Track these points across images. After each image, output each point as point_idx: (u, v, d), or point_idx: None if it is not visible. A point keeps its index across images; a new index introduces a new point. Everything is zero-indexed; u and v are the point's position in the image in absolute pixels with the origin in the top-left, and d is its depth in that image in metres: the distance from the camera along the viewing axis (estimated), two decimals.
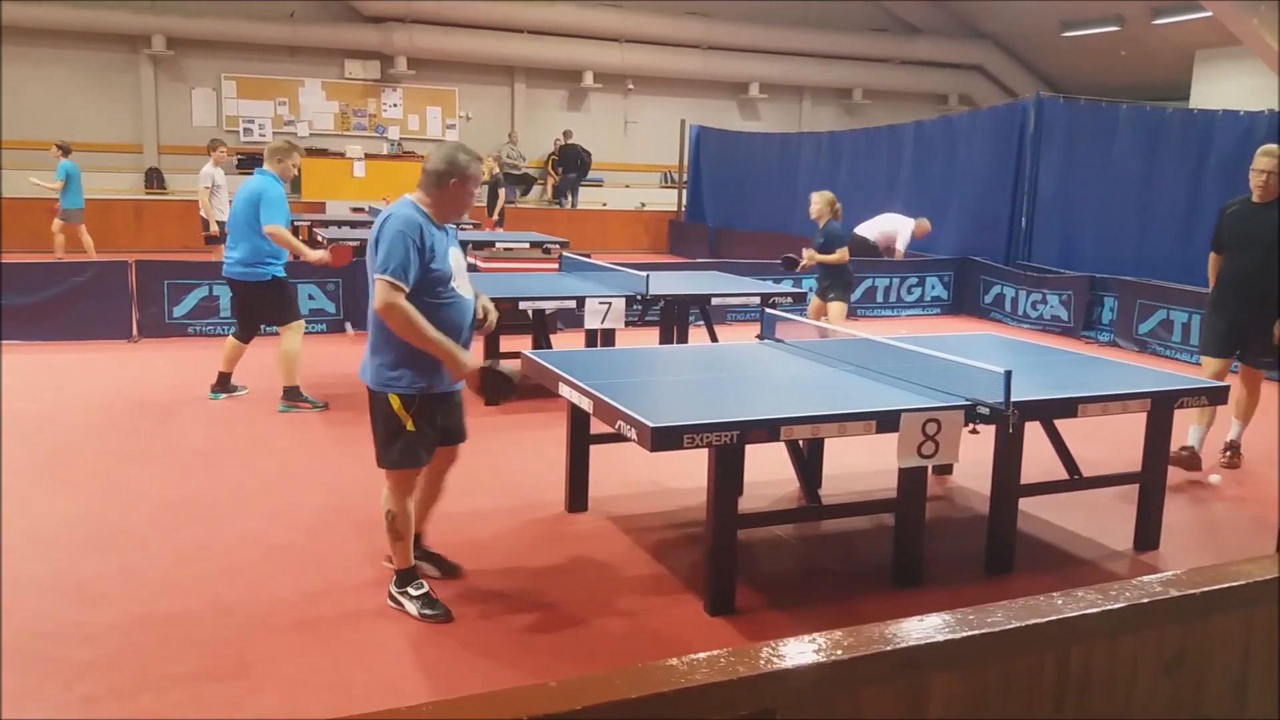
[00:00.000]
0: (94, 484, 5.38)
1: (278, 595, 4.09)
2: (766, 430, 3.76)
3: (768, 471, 5.45)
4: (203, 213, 12.65)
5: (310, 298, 9.78)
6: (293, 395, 6.92)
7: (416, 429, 3.84)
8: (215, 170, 12.44)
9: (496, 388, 3.87)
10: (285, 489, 5.36)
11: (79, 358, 8.51)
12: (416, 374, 3.81)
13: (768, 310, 5.82)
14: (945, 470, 5.83)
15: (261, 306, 6.90)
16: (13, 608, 3.88)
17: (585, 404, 4.18)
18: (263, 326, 7.14)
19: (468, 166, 3.82)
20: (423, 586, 4.00)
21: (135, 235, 16.04)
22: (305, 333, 7.23)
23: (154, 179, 18.78)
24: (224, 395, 7.13)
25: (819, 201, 8.43)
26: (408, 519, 3.98)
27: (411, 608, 3.93)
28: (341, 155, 18.98)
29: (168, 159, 19.19)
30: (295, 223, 14.08)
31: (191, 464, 5.75)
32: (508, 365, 4.00)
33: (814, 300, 8.75)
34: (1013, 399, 4.01)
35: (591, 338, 7.87)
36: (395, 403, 3.81)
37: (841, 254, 8.32)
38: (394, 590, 4.01)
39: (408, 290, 3.68)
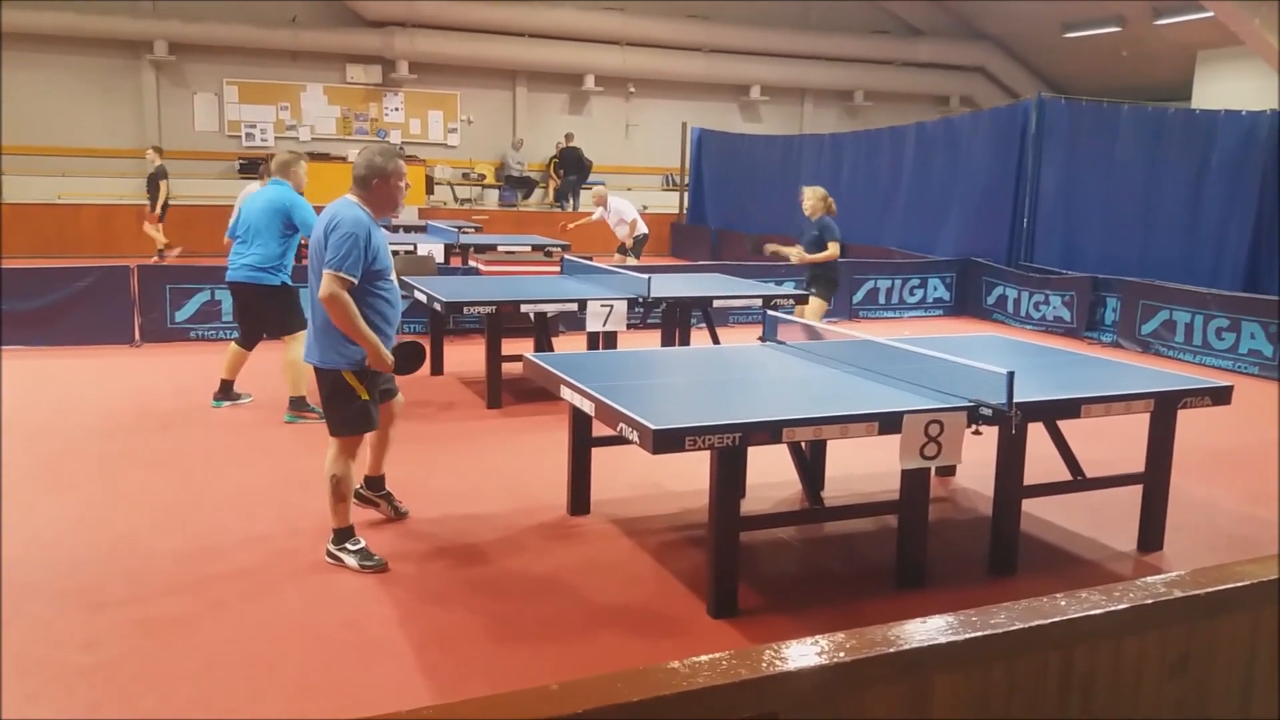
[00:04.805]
0: (96, 488, 5.38)
1: (280, 599, 4.09)
2: (768, 432, 3.76)
3: (770, 473, 5.44)
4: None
5: None
6: (299, 405, 6.87)
7: (370, 396, 4.35)
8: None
9: (408, 360, 4.35)
10: (287, 493, 5.35)
11: (81, 363, 8.52)
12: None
13: (769, 312, 5.82)
14: (948, 471, 5.82)
15: (266, 313, 6.83)
16: (15, 613, 3.87)
17: (587, 406, 4.18)
18: (264, 335, 7.09)
19: (385, 165, 4.29)
20: (360, 542, 4.41)
21: (137, 240, 16.04)
22: None
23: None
24: (227, 403, 7.11)
25: (812, 197, 8.00)
26: (350, 482, 4.44)
27: (351, 561, 4.35)
28: (344, 160, 18.98)
29: (170, 164, 19.16)
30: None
31: (194, 469, 5.75)
32: (410, 342, 4.45)
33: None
34: (1015, 400, 4.00)
35: (593, 340, 7.87)
36: (350, 378, 4.28)
37: (832, 250, 7.93)
38: (332, 548, 4.41)
39: (354, 285, 4.16)
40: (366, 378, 4.31)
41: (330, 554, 4.42)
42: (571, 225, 13.52)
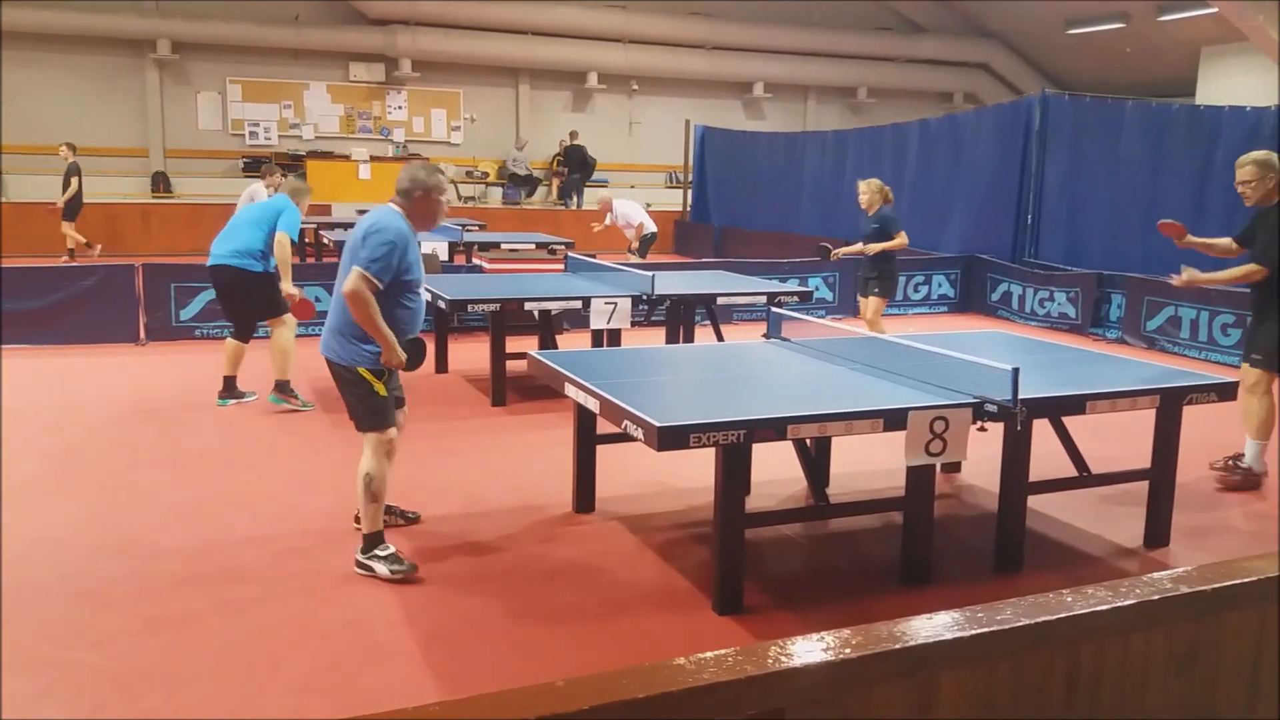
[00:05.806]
0: (102, 488, 5.39)
1: (286, 598, 4.09)
2: (773, 429, 3.75)
3: (775, 470, 5.44)
4: None
5: (316, 299, 9.77)
6: (284, 389, 6.97)
7: (388, 392, 4.40)
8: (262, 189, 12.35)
9: (415, 356, 4.39)
10: (293, 492, 5.36)
11: (86, 361, 8.53)
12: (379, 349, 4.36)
13: (773, 309, 5.81)
14: (953, 468, 5.81)
15: (251, 299, 6.89)
16: (22, 612, 3.88)
17: (592, 404, 4.18)
18: (258, 327, 7.13)
19: (428, 179, 4.38)
20: (389, 548, 4.35)
21: (142, 239, 16.08)
22: (306, 334, 7.24)
23: (160, 183, 18.84)
24: (232, 401, 7.13)
25: (868, 190, 8.04)
26: (384, 481, 4.37)
27: (381, 569, 4.27)
28: (347, 158, 19.01)
29: (174, 163, 19.25)
30: (301, 225, 14.06)
31: (199, 467, 5.76)
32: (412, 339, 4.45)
33: (860, 301, 8.41)
34: (1021, 396, 4.00)
35: (597, 338, 7.87)
36: (366, 374, 4.33)
37: (901, 239, 7.95)
38: (361, 556, 4.33)
39: (380, 289, 4.19)
40: (382, 374, 4.36)
41: (360, 564, 4.31)
42: (598, 227, 13.60)
